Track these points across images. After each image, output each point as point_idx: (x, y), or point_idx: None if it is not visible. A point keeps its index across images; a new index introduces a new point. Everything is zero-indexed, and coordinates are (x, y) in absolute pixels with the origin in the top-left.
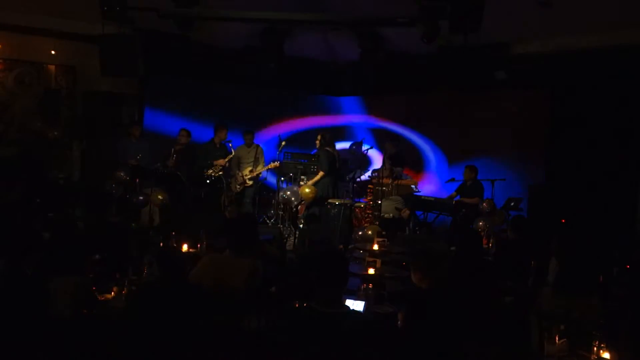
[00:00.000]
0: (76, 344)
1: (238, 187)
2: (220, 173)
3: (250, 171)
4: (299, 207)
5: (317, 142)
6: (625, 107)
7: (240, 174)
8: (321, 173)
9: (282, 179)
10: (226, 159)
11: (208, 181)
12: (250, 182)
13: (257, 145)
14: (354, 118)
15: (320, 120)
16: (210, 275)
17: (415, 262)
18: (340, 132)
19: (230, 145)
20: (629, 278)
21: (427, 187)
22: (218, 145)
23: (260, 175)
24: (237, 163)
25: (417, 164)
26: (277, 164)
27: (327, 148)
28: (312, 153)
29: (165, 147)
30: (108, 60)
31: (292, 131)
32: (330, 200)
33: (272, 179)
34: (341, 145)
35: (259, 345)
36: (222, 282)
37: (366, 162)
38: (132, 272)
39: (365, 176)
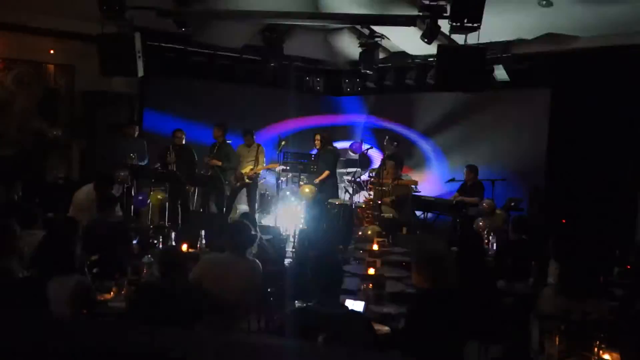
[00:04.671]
0: (76, 344)
1: (237, 184)
2: (210, 173)
3: (251, 169)
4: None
5: (317, 142)
6: (625, 107)
7: (240, 173)
8: (327, 172)
9: (282, 179)
10: (219, 159)
11: (203, 180)
12: (249, 181)
13: (258, 145)
14: (354, 118)
15: (320, 120)
16: (210, 276)
17: (417, 262)
18: (340, 132)
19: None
20: (629, 278)
21: (428, 186)
22: (216, 144)
23: (260, 174)
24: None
25: (418, 164)
26: (278, 164)
27: (329, 147)
28: (312, 153)
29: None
30: (107, 60)
31: (292, 131)
32: (330, 200)
33: (271, 179)
34: (340, 145)
35: (258, 346)
36: (222, 282)
37: (366, 162)
38: (132, 272)
39: (365, 176)
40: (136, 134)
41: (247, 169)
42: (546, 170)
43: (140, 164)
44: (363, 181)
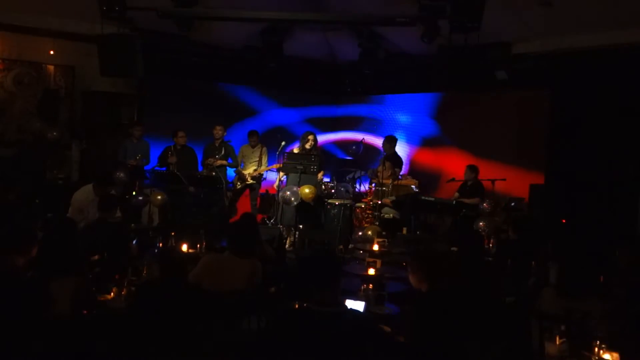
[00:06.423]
0: (76, 344)
1: (239, 184)
2: (213, 174)
3: (254, 170)
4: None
5: (312, 141)
6: (625, 107)
7: (242, 172)
8: (322, 172)
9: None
10: (224, 160)
11: (203, 180)
12: (252, 181)
13: (262, 146)
14: (353, 117)
15: (319, 119)
16: (210, 276)
17: (414, 263)
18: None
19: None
20: (629, 278)
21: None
22: (217, 144)
23: (263, 175)
24: (241, 162)
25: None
26: (280, 165)
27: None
28: (287, 151)
29: (164, 148)
30: (107, 60)
31: (292, 131)
32: (330, 200)
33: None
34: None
35: (258, 346)
36: (222, 283)
37: (375, 155)
38: (132, 272)
39: (364, 186)
40: (141, 134)
41: (250, 170)
42: (546, 170)
43: (144, 165)
44: (365, 191)
